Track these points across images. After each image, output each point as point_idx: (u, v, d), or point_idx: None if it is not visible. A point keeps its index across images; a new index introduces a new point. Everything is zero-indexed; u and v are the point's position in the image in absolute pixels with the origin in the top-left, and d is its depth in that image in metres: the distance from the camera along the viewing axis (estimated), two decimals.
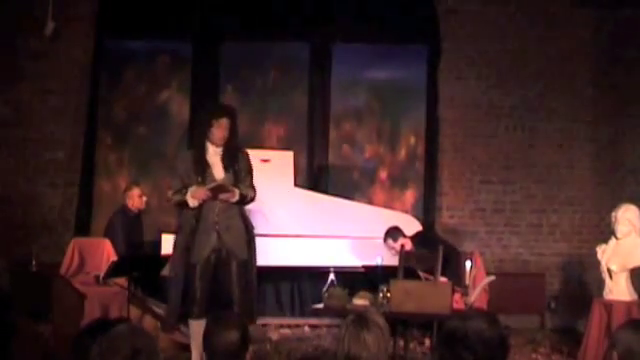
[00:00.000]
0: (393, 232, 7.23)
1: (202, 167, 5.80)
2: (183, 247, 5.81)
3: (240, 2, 9.03)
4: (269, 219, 8.03)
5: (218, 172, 5.83)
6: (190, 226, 5.79)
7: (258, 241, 6.05)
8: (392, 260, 6.88)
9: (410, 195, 9.32)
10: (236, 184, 5.81)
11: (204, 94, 9.18)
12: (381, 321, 2.97)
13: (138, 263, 6.69)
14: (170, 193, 5.93)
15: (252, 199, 5.99)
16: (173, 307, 5.90)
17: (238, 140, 6.00)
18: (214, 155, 5.84)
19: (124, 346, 2.30)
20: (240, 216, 5.90)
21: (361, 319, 2.95)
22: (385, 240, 7.20)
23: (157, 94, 9.29)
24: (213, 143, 5.82)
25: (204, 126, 5.87)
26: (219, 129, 5.78)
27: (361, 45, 9.30)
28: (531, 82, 9.07)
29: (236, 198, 5.77)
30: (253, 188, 5.94)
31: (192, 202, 5.76)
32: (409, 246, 7.16)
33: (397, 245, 7.11)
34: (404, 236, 7.23)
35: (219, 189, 5.75)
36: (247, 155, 5.99)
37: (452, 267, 6.49)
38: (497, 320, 2.61)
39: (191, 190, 5.73)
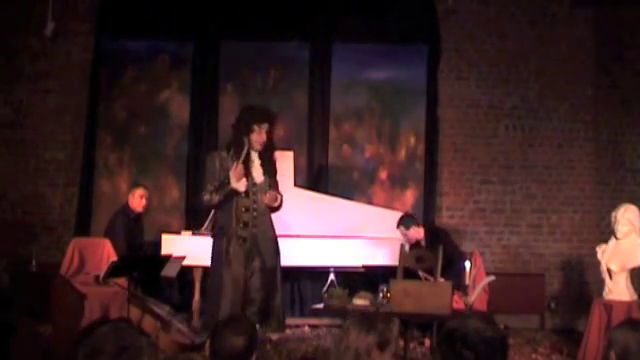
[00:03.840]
0: (406, 219, 7.32)
1: (245, 170, 5.82)
2: (224, 252, 5.79)
3: (240, 2, 9.03)
4: None
5: (258, 175, 5.88)
6: (229, 230, 5.76)
7: None
8: (392, 260, 6.88)
9: (410, 195, 9.32)
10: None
11: (204, 94, 9.18)
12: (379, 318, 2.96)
13: (138, 263, 6.69)
14: (206, 196, 5.90)
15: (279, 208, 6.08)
16: (211, 318, 5.79)
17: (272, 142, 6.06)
18: (252, 158, 5.90)
19: (109, 344, 2.27)
20: (270, 223, 5.96)
21: (363, 317, 2.95)
22: (398, 227, 7.25)
23: (157, 94, 9.28)
24: (251, 147, 5.84)
25: (244, 129, 5.83)
26: (260, 134, 5.80)
27: (361, 45, 9.29)
28: (531, 82, 9.08)
29: (278, 202, 5.87)
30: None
31: (238, 185, 5.75)
32: (421, 235, 7.23)
33: (410, 233, 7.17)
34: (417, 224, 7.28)
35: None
36: (275, 159, 6.09)
37: (455, 268, 6.48)
38: (494, 320, 2.62)
39: (230, 175, 5.74)
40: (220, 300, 5.78)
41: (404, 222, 7.32)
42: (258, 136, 5.81)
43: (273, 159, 6.03)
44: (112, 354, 2.24)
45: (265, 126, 5.87)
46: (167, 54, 9.29)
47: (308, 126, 9.29)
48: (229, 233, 5.80)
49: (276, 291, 6.08)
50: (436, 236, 7.47)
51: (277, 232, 6.23)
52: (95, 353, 2.25)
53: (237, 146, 5.86)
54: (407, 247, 7.13)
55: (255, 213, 5.80)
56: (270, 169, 5.97)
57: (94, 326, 2.68)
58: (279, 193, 5.97)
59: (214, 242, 5.98)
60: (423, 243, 7.38)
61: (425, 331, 7.13)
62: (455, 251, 7.10)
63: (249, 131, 5.80)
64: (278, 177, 6.21)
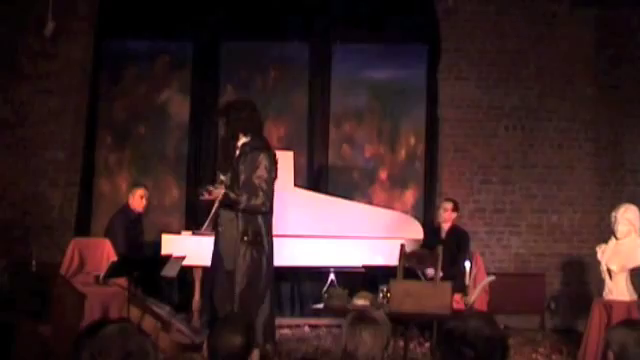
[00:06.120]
0: (451, 200, 7.99)
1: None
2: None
3: (240, 2, 9.04)
4: None
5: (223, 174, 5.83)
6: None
7: None
8: (392, 260, 6.88)
9: (410, 195, 9.32)
10: (233, 186, 5.68)
11: (204, 94, 9.19)
12: (380, 317, 3.00)
13: (138, 263, 6.68)
14: None
15: (247, 208, 5.58)
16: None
17: (232, 136, 5.75)
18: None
19: (115, 349, 2.25)
20: (236, 223, 5.64)
21: (359, 316, 2.99)
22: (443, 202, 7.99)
23: (157, 94, 9.29)
24: None
25: None
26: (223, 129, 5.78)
27: (361, 45, 9.30)
28: (531, 82, 9.08)
29: (214, 197, 5.69)
30: (246, 194, 5.58)
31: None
32: (445, 220, 7.74)
33: (441, 209, 7.82)
34: (452, 210, 7.79)
35: None
36: (257, 155, 5.66)
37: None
38: (494, 319, 2.63)
39: None
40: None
41: (448, 199, 8.03)
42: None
43: (251, 155, 5.67)
44: (119, 358, 2.22)
45: (222, 119, 5.77)
46: (167, 54, 9.30)
47: (308, 126, 9.30)
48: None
49: (232, 301, 5.67)
50: (457, 236, 7.70)
51: (277, 232, 6.14)
52: (101, 355, 2.22)
53: None
54: (406, 247, 7.13)
55: (219, 212, 5.76)
56: (239, 167, 5.67)
57: (97, 326, 2.68)
58: (228, 190, 5.64)
59: None
60: (443, 235, 7.74)
61: (425, 331, 7.13)
62: (468, 256, 7.22)
63: None
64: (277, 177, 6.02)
